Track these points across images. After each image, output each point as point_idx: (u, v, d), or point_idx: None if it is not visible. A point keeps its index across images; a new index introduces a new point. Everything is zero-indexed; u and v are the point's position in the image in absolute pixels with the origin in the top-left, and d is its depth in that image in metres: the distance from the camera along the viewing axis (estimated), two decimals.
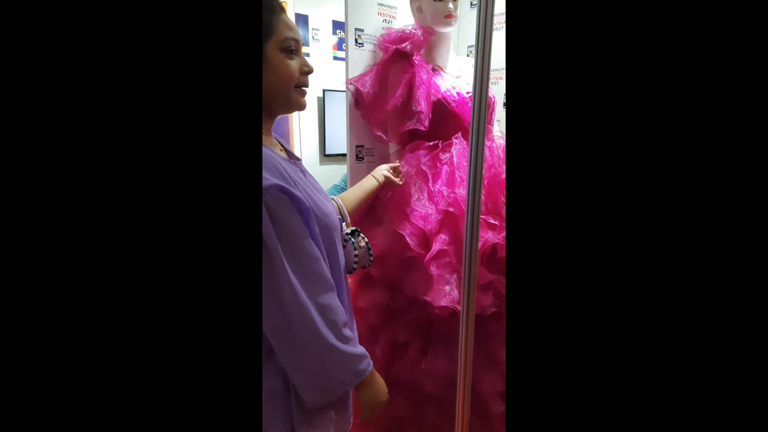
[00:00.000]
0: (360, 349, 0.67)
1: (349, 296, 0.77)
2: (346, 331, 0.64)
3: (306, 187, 0.67)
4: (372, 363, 0.69)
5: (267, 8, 0.61)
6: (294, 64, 0.65)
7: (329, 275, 0.65)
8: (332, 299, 0.63)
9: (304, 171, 0.73)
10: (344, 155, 1.33)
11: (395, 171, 1.12)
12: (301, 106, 0.68)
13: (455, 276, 1.04)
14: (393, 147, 1.23)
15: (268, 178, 0.59)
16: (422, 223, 1.05)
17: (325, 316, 0.61)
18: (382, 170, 1.09)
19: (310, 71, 0.68)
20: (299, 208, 0.62)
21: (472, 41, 1.46)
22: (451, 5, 1.11)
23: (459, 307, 0.94)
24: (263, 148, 0.62)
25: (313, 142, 2.85)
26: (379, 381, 0.72)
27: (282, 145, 0.74)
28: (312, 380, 0.62)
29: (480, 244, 0.84)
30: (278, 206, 0.59)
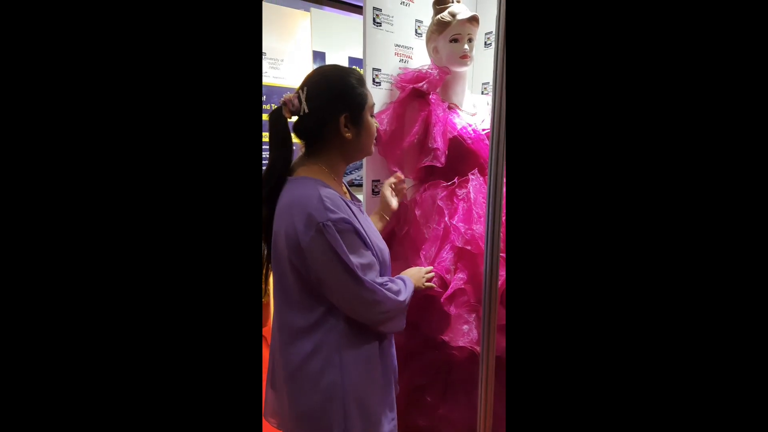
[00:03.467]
0: (402, 297, 0.84)
1: None
2: (400, 296, 0.84)
3: (364, 225, 0.80)
4: (410, 292, 0.87)
5: (361, 82, 0.80)
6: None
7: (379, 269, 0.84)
8: (384, 279, 0.82)
9: (362, 211, 0.85)
10: (357, 185, 1.33)
11: (397, 186, 1.11)
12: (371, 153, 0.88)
13: (474, 316, 1.01)
14: (409, 183, 1.23)
15: (337, 212, 0.72)
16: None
17: (388, 289, 0.81)
18: (390, 204, 1.06)
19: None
20: (362, 239, 0.76)
21: (487, 78, 1.49)
22: (466, 46, 1.13)
23: (478, 348, 0.90)
24: (330, 190, 0.75)
25: None
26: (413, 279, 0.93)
27: (346, 188, 0.88)
28: (393, 316, 0.83)
29: (500, 283, 0.81)
30: (344, 233, 0.73)
